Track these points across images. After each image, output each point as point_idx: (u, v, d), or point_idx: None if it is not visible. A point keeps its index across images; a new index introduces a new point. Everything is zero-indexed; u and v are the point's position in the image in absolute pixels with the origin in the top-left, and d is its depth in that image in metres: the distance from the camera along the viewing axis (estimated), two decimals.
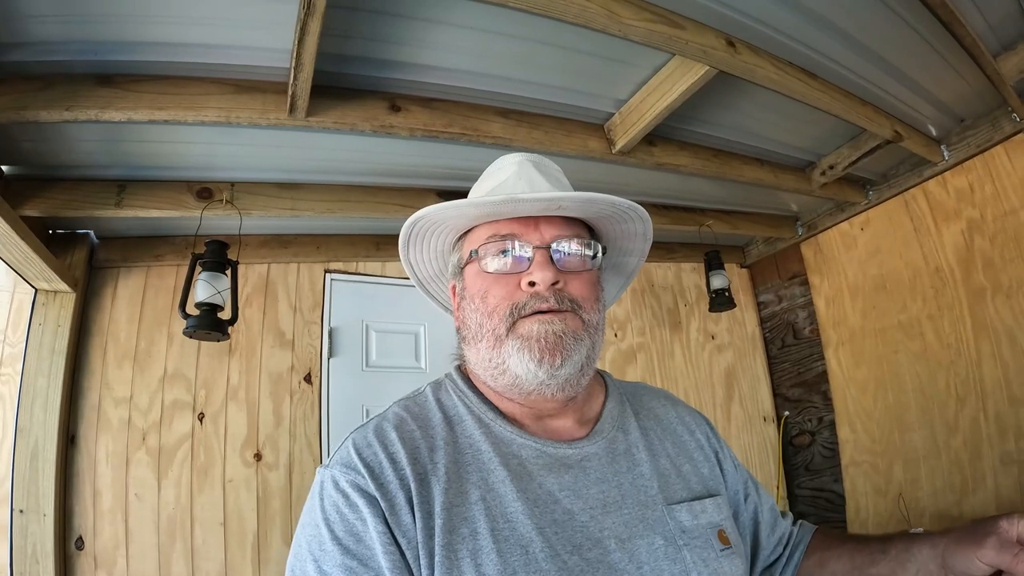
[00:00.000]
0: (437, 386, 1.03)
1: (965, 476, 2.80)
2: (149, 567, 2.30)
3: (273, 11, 1.55)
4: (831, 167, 2.89)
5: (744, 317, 3.83)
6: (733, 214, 3.39)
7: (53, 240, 2.38)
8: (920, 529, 2.36)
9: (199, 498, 2.41)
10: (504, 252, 0.94)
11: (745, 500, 1.11)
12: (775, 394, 3.75)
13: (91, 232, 2.46)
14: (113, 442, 2.38)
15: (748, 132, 2.61)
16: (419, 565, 0.78)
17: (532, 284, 0.92)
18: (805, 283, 3.62)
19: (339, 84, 1.87)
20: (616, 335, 3.45)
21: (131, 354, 2.47)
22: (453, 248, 1.05)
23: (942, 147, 2.88)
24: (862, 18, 1.97)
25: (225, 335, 2.21)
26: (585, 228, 1.01)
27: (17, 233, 1.95)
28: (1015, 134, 2.63)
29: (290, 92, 1.69)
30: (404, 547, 0.79)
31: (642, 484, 0.95)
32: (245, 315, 2.62)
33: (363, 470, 0.83)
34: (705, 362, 3.62)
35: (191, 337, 2.19)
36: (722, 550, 0.93)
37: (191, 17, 1.59)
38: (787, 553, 1.12)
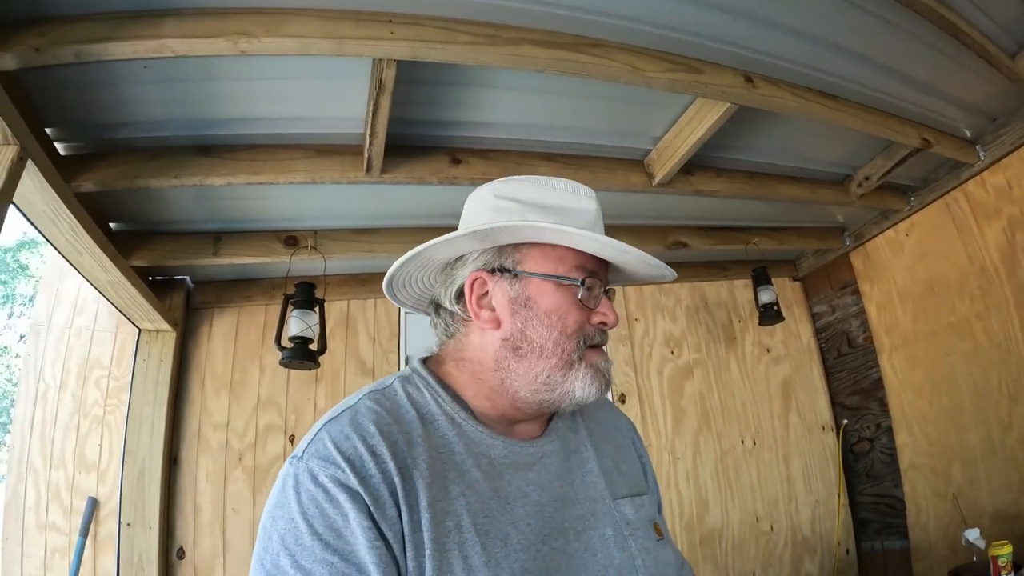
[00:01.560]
0: (405, 380, 1.05)
1: (1022, 474, 2.84)
2: (244, 575, 2.69)
3: (346, 87, 1.94)
4: (867, 178, 3.06)
5: (799, 329, 4.01)
6: (780, 230, 3.61)
7: (153, 286, 2.80)
8: (977, 529, 2.47)
9: None
10: (596, 288, 1.03)
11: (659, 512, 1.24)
12: (833, 403, 3.90)
13: (187, 277, 2.90)
14: (212, 462, 2.78)
15: (781, 153, 2.84)
16: (404, 558, 0.83)
17: (602, 323, 1.04)
18: (856, 292, 3.76)
19: (407, 143, 2.24)
20: (672, 352, 3.68)
21: (227, 384, 2.89)
22: (505, 247, 1.06)
23: (977, 148, 2.97)
24: (873, 38, 2.16)
25: (316, 364, 2.59)
26: None
27: (128, 281, 2.38)
28: None
29: (366, 155, 2.08)
30: (391, 540, 0.83)
31: (591, 480, 1.07)
32: (330, 346, 2.98)
33: (343, 464, 0.85)
34: (761, 374, 3.82)
35: (287, 367, 2.59)
36: (658, 540, 1.07)
37: (277, 95, 1.99)
38: None
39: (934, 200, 3.29)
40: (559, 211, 1.04)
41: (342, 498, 0.83)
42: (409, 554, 0.83)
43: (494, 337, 1.04)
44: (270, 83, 1.93)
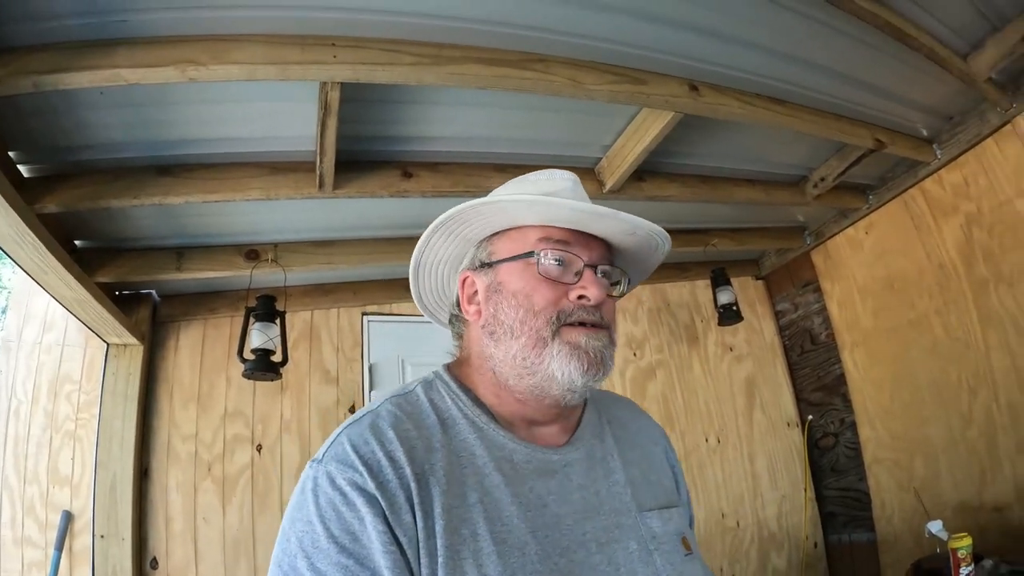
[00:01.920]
0: (428, 386, 1.06)
1: (983, 466, 2.96)
2: None
3: (297, 108, 2.03)
4: (822, 179, 3.16)
5: (762, 327, 4.13)
6: (740, 231, 3.72)
7: (120, 301, 2.85)
8: (940, 522, 2.51)
9: (259, 520, 2.87)
10: (559, 260, 1.01)
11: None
12: (798, 399, 4.01)
13: (153, 291, 2.97)
14: (182, 473, 2.84)
15: (735, 156, 2.94)
16: (419, 564, 0.84)
17: (581, 297, 1.00)
18: (818, 290, 3.87)
19: (359, 159, 2.33)
20: (635, 354, 3.78)
21: (195, 396, 2.95)
22: (483, 241, 1.10)
23: (934, 146, 3.10)
24: (821, 45, 2.25)
25: (278, 375, 2.68)
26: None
27: (94, 298, 2.44)
28: (1003, 125, 2.81)
29: (318, 173, 2.17)
30: (405, 546, 0.83)
31: (617, 491, 1.04)
32: (294, 357, 3.08)
33: (361, 468, 0.87)
34: (724, 373, 3.94)
35: (249, 378, 2.66)
36: (686, 555, 1.04)
37: (231, 116, 2.08)
38: None
39: (892, 198, 3.40)
40: (522, 190, 1.08)
41: (359, 501, 0.84)
42: (423, 561, 0.84)
43: (477, 327, 1.08)
44: (224, 105, 2.02)
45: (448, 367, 1.12)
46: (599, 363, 0.99)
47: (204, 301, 3.07)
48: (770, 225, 3.85)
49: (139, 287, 2.92)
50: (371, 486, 0.85)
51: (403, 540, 0.83)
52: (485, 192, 2.43)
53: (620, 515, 1.01)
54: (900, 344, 3.40)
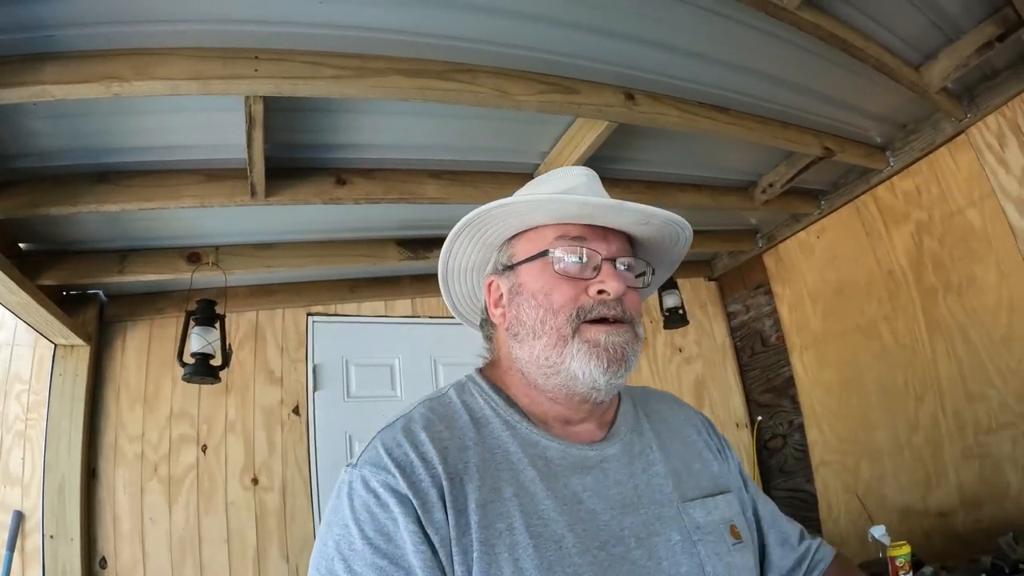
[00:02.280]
0: (460, 388, 1.08)
1: (928, 471, 3.03)
2: None
3: (228, 118, 2.05)
4: (771, 185, 3.20)
5: (713, 328, 4.20)
6: (693, 233, 3.75)
7: (67, 300, 2.91)
8: (883, 527, 2.50)
9: (205, 520, 2.94)
10: (576, 255, 1.01)
11: (747, 491, 1.22)
12: (748, 400, 4.09)
13: (100, 292, 3.02)
14: (129, 473, 2.90)
15: (681, 162, 2.97)
16: (452, 562, 0.84)
17: (601, 292, 1.00)
18: (769, 292, 3.93)
19: (292, 165, 2.38)
20: None
21: (141, 397, 3.01)
22: (502, 245, 1.12)
23: (887, 153, 3.14)
24: (768, 55, 2.28)
25: (217, 379, 2.73)
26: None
27: (36, 301, 2.48)
28: (957, 135, 2.85)
29: (249, 182, 2.22)
30: (437, 544, 0.85)
31: (657, 483, 1.04)
32: (239, 357, 3.14)
33: (394, 470, 0.88)
34: (673, 374, 4.01)
35: (189, 382, 2.72)
36: (734, 544, 1.03)
37: (165, 126, 2.12)
38: (804, 571, 1.19)
39: (844, 204, 3.46)
40: (540, 191, 1.09)
41: (392, 502, 0.86)
42: (456, 559, 0.85)
43: (503, 330, 1.10)
44: (156, 116, 2.06)
45: (480, 370, 1.14)
46: (620, 360, 0.99)
47: (150, 301, 3.12)
48: (722, 228, 3.90)
49: (85, 287, 2.97)
50: (403, 486, 0.87)
51: (435, 539, 0.85)
52: (418, 199, 2.51)
53: (661, 507, 1.01)
54: (849, 349, 3.46)
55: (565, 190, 1.06)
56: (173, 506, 2.93)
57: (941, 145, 2.94)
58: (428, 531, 0.84)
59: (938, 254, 3.00)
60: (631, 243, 1.10)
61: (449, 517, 0.86)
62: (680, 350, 4.09)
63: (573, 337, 0.98)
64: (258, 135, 2.00)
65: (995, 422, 2.77)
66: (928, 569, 2.42)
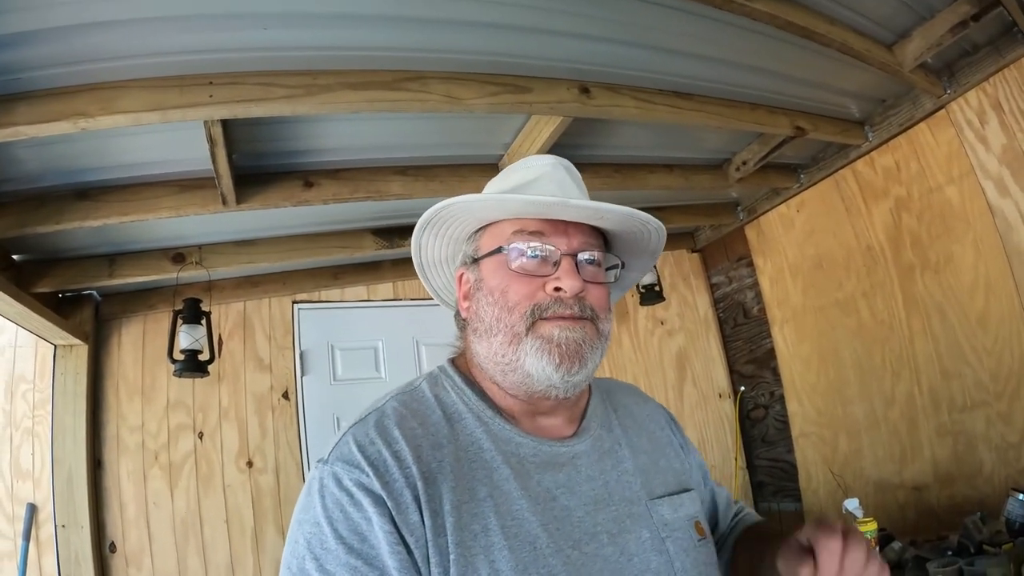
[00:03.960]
0: (433, 381, 1.07)
1: (904, 446, 3.14)
2: (170, 561, 3.12)
3: (194, 134, 2.16)
4: (744, 163, 3.25)
5: (696, 300, 4.35)
6: (671, 208, 3.87)
7: (63, 302, 3.14)
8: (856, 500, 2.64)
9: (205, 502, 3.22)
10: (533, 252, 1.00)
11: (705, 486, 1.26)
12: (731, 371, 4.25)
13: (94, 292, 3.26)
14: (131, 462, 3.18)
15: (649, 145, 3.06)
16: (428, 564, 0.84)
17: (557, 289, 0.98)
18: (751, 264, 4.04)
19: (261, 171, 2.55)
20: None
21: (139, 390, 3.27)
22: (469, 238, 1.11)
23: (865, 128, 3.18)
24: (727, 43, 2.31)
25: (206, 373, 2.99)
26: (602, 238, 1.08)
27: (33, 310, 2.71)
28: (936, 110, 2.87)
29: (219, 192, 2.42)
30: (412, 546, 0.84)
31: (626, 480, 1.06)
32: (229, 347, 3.40)
33: (367, 468, 0.87)
34: (655, 347, 4.18)
35: (179, 377, 2.97)
36: (699, 540, 1.06)
37: (137, 145, 2.28)
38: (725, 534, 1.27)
39: (824, 178, 3.53)
40: (516, 189, 1.07)
41: (366, 501, 0.85)
42: (433, 560, 0.85)
43: (465, 323, 1.10)
44: (130, 137, 2.21)
45: (453, 361, 1.13)
46: (575, 356, 0.97)
47: (143, 298, 3.37)
48: (702, 203, 4.01)
49: (80, 289, 3.19)
50: (377, 486, 0.86)
51: (410, 540, 0.85)
52: (384, 196, 2.68)
53: (631, 504, 1.03)
54: (827, 323, 3.56)
55: (530, 181, 1.07)
56: (174, 491, 3.21)
57: (920, 120, 2.97)
58: (403, 532, 0.85)
59: (916, 231, 3.05)
60: (604, 235, 1.09)
61: (425, 519, 0.87)
62: (662, 323, 4.24)
63: (527, 334, 0.98)
64: (221, 152, 2.19)
65: (970, 401, 2.85)
66: (897, 544, 2.51)
